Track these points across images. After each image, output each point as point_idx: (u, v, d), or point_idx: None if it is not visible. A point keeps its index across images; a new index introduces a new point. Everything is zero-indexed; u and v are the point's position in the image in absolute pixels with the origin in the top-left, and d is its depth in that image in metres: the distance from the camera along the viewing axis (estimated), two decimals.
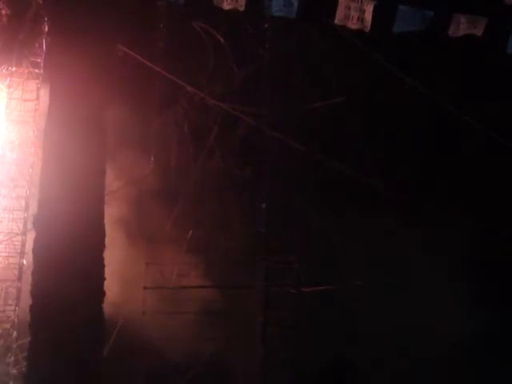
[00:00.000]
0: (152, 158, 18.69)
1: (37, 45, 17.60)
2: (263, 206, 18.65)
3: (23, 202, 17.93)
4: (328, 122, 18.22)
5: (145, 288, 18.03)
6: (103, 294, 16.06)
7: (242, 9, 16.16)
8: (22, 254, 17.66)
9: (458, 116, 17.93)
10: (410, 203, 18.12)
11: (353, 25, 16.33)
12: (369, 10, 16.25)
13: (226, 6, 16.24)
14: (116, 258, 16.76)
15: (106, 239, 16.37)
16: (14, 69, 18.08)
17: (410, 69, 17.89)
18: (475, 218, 17.88)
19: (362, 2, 16.20)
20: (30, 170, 17.88)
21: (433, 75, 18.04)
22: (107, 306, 16.17)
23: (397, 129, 18.32)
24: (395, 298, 17.50)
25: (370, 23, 16.13)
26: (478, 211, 18.03)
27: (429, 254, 17.85)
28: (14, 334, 17.36)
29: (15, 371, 17.19)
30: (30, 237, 16.84)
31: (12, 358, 17.25)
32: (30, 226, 17.09)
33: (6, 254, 17.83)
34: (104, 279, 16.11)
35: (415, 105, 18.15)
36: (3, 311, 17.53)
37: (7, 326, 17.45)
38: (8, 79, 18.15)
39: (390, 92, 18.06)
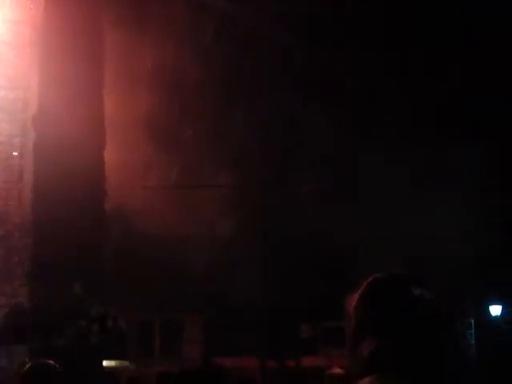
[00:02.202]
0: (149, 62, 18.53)
1: None
2: (263, 106, 18.64)
3: (21, 104, 17.75)
4: (328, 23, 17.97)
5: (144, 187, 18.16)
6: (104, 193, 16.24)
7: None
8: (21, 155, 17.61)
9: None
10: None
11: None
12: None
13: None
14: (116, 158, 16.83)
15: (106, 139, 16.45)
16: None
17: None
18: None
19: None
20: (27, 72, 17.64)
21: None
22: (108, 205, 16.37)
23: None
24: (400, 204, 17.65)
25: None
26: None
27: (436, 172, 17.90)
28: (16, 234, 17.49)
29: (19, 272, 17.40)
30: (29, 138, 16.88)
31: (16, 259, 17.44)
32: (28, 127, 17.02)
33: (6, 156, 17.78)
34: (105, 178, 16.26)
35: None
36: (5, 212, 17.60)
37: (9, 226, 17.56)
38: None
39: None
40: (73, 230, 15.41)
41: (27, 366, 4.47)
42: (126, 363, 16.82)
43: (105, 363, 16.00)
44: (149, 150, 17.81)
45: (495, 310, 21.17)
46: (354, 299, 2.68)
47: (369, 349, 2.50)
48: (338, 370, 6.24)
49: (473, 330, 19.80)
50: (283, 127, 18.74)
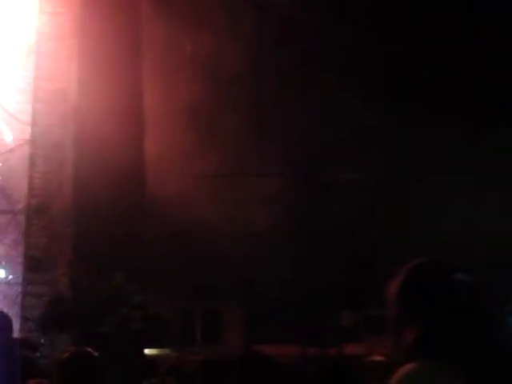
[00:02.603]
0: (189, 51, 18.43)
1: None
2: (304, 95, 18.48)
3: (60, 95, 17.81)
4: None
5: (184, 176, 18.17)
6: (145, 182, 16.34)
7: None
8: (61, 146, 17.73)
9: None
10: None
11: None
12: None
13: None
14: (156, 148, 16.87)
15: (146, 129, 16.53)
16: None
17: None
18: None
19: None
20: (67, 63, 17.70)
21: None
22: (148, 195, 16.46)
23: None
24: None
25: None
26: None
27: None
28: (58, 224, 17.67)
29: (60, 261, 17.63)
30: (69, 129, 17.00)
31: (57, 248, 17.66)
32: (68, 118, 17.15)
33: (46, 146, 17.88)
34: (145, 168, 16.36)
35: None
36: (47, 202, 17.77)
37: (51, 216, 17.75)
38: None
39: None
40: (113, 219, 15.54)
41: (66, 354, 4.46)
42: (167, 351, 16.91)
43: (146, 351, 16.11)
44: (189, 139, 17.81)
45: None
46: (395, 285, 2.65)
47: (412, 335, 2.48)
48: (378, 358, 6.19)
49: None
50: (324, 117, 18.64)
